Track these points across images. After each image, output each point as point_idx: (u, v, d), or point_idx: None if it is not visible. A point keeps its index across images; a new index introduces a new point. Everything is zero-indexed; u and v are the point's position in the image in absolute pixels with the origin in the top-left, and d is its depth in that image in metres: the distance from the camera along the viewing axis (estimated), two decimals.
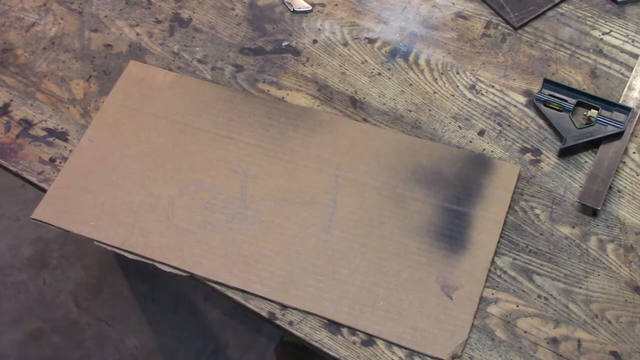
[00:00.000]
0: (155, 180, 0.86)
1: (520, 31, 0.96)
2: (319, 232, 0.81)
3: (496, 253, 0.79)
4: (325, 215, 0.82)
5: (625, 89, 0.90)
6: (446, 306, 0.76)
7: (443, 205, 0.82)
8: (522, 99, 0.91)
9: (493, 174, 0.84)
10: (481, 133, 0.88)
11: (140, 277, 1.48)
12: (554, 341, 0.74)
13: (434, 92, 0.92)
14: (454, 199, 0.82)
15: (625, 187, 0.83)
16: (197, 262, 0.81)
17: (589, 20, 0.96)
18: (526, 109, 0.90)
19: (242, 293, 0.79)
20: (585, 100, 0.88)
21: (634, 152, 0.86)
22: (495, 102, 0.91)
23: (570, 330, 0.75)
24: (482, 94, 0.91)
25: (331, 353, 0.75)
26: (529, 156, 0.86)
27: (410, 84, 0.93)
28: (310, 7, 1.00)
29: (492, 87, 0.92)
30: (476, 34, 0.97)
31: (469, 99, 0.91)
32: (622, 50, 0.94)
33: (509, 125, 0.89)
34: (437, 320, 0.75)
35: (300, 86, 0.93)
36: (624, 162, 0.85)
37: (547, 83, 0.90)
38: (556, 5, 0.98)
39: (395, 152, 0.86)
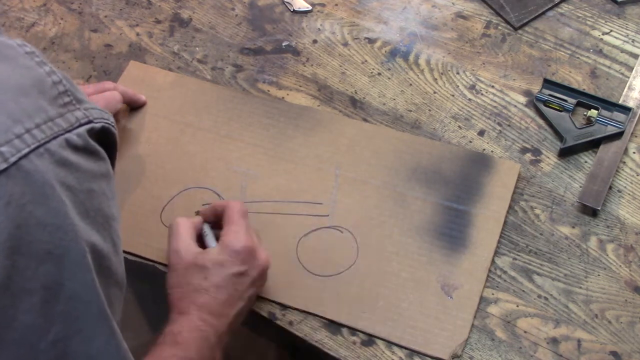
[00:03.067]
0: (155, 181, 0.86)
1: (520, 31, 0.96)
2: (319, 232, 0.81)
3: (496, 253, 0.79)
4: (325, 214, 0.82)
5: (625, 89, 0.90)
6: (446, 306, 0.76)
7: (443, 204, 0.82)
8: (522, 99, 0.91)
9: (493, 172, 0.84)
10: (481, 133, 0.88)
11: (140, 277, 1.47)
12: (554, 341, 0.74)
13: (434, 92, 0.92)
14: (454, 197, 0.82)
15: (625, 187, 0.83)
16: None
17: (589, 20, 0.96)
18: (526, 109, 0.90)
19: None
20: (585, 100, 0.88)
21: (634, 152, 0.86)
22: (495, 102, 0.91)
23: (570, 330, 0.75)
24: (482, 94, 0.91)
25: (331, 353, 0.75)
26: (529, 156, 0.86)
27: (410, 84, 0.93)
28: (310, 7, 1.00)
29: (492, 87, 0.92)
30: (476, 34, 0.97)
31: (469, 99, 0.91)
32: (622, 50, 0.94)
33: (509, 125, 0.89)
34: (437, 320, 0.75)
35: (300, 86, 0.93)
36: (624, 162, 0.85)
37: (547, 83, 0.90)
38: (556, 5, 0.98)
39: (395, 150, 0.86)
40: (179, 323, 0.69)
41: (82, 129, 0.49)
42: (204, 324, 0.68)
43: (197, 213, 0.79)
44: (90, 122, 0.50)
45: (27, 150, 0.44)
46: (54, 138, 0.46)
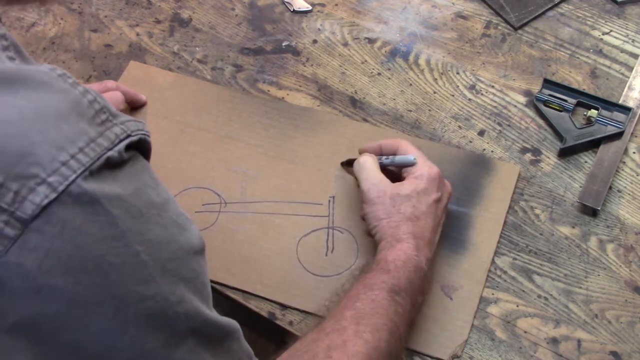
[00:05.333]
0: None
1: (520, 31, 0.96)
2: (319, 233, 0.81)
3: (496, 253, 0.79)
4: (325, 215, 0.82)
5: (625, 89, 0.90)
6: (446, 306, 0.76)
7: None
8: (522, 99, 0.91)
9: (493, 174, 0.84)
10: (481, 133, 0.88)
11: None
12: (554, 341, 0.74)
13: (434, 92, 0.92)
14: (453, 199, 0.82)
15: (625, 187, 0.83)
16: None
17: (589, 20, 0.96)
18: (526, 109, 0.90)
19: (242, 293, 0.79)
20: (585, 100, 0.88)
21: (634, 152, 0.86)
22: (495, 102, 0.91)
23: (570, 330, 0.75)
24: (482, 94, 0.91)
25: None
26: (529, 156, 0.86)
27: (410, 84, 0.93)
28: (310, 7, 1.00)
29: (492, 87, 0.92)
30: (476, 34, 0.97)
31: (469, 99, 0.91)
32: (622, 50, 0.94)
33: (509, 125, 0.89)
34: (437, 320, 0.75)
35: (300, 86, 0.93)
36: (624, 162, 0.85)
37: (547, 83, 0.90)
38: (556, 5, 0.98)
39: None
40: (393, 251, 0.70)
41: (122, 145, 0.50)
42: (417, 253, 0.70)
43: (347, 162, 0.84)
44: (129, 136, 0.51)
45: (74, 176, 0.46)
46: (98, 159, 0.47)
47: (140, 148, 0.53)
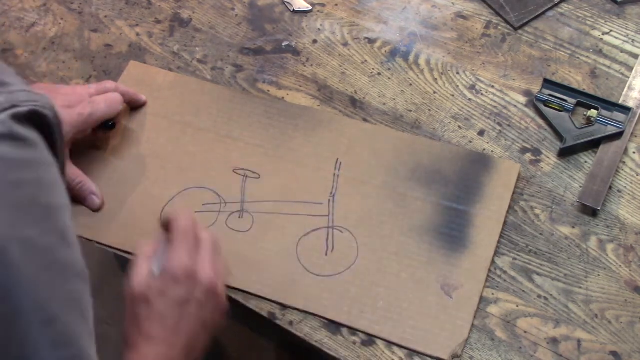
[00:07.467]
0: (155, 181, 0.86)
1: (520, 31, 0.96)
2: (319, 232, 0.81)
3: (496, 253, 0.79)
4: (325, 214, 0.82)
5: (625, 89, 0.90)
6: (446, 306, 0.76)
7: (443, 204, 0.82)
8: (522, 99, 0.91)
9: (493, 172, 0.84)
10: (481, 133, 0.88)
11: None
12: (554, 341, 0.74)
13: (434, 92, 0.92)
14: (454, 197, 0.82)
15: (625, 187, 0.83)
16: None
17: (589, 20, 0.97)
18: (526, 109, 0.90)
19: (242, 293, 0.79)
20: (585, 100, 0.88)
21: (634, 152, 0.86)
22: (495, 102, 0.91)
23: (570, 330, 0.75)
24: (482, 94, 0.91)
25: (331, 353, 0.75)
26: (529, 156, 0.86)
27: (410, 84, 0.93)
28: (310, 7, 1.00)
29: (492, 87, 0.92)
30: (476, 34, 0.97)
31: (469, 99, 0.91)
32: (622, 50, 0.94)
33: (509, 125, 0.89)
34: (437, 319, 0.75)
35: (300, 86, 0.93)
36: (624, 162, 0.85)
37: (547, 83, 0.90)
38: (556, 5, 0.98)
39: (395, 150, 0.86)
40: (126, 354, 0.65)
41: (5, 115, 0.44)
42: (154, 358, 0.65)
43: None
44: (14, 106, 0.45)
45: None
46: None
47: (40, 124, 0.47)
